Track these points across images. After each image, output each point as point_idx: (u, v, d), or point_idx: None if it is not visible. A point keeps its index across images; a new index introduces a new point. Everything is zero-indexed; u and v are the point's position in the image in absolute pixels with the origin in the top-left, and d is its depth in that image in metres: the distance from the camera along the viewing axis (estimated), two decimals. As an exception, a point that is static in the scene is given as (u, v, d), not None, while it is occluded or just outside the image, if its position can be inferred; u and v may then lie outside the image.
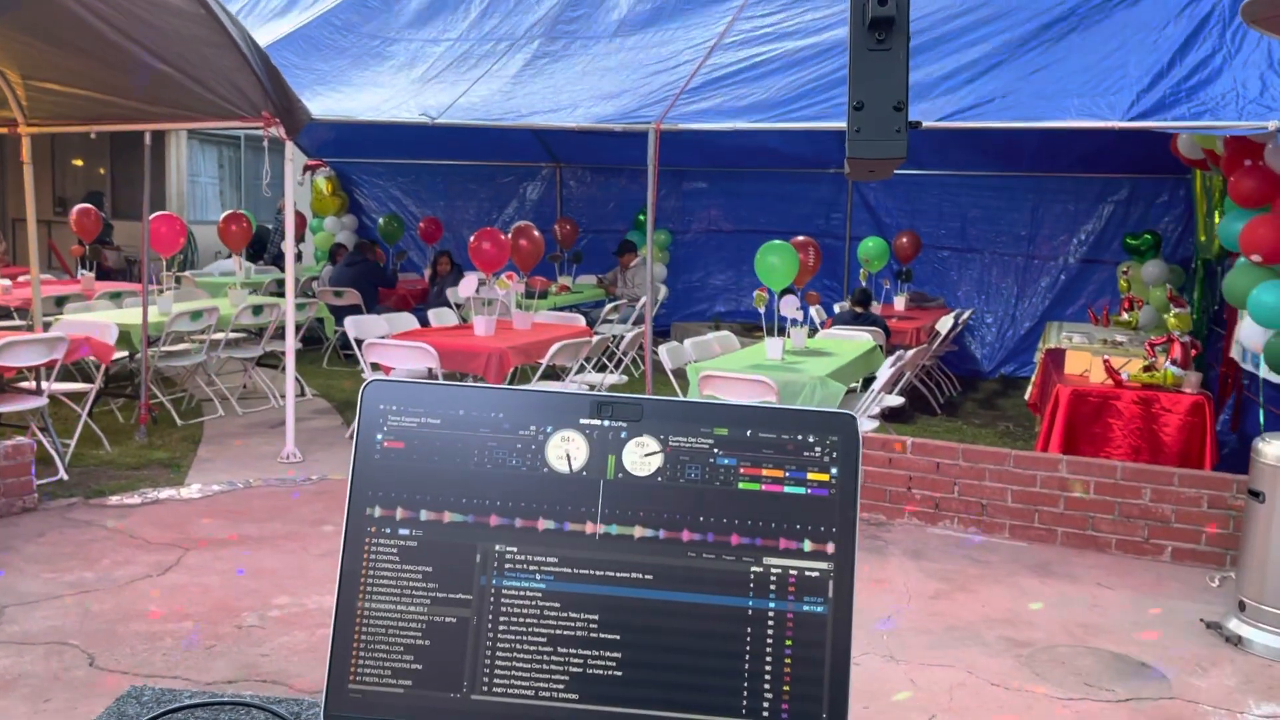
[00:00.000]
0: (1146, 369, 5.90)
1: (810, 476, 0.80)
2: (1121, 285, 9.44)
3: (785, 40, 6.76)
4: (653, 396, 0.83)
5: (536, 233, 8.52)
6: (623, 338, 7.85)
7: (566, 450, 0.82)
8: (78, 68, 6.14)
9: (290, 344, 6.46)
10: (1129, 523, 5.00)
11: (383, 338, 6.81)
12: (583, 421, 0.83)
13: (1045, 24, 6.11)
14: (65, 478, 5.53)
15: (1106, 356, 6.04)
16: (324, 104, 7.37)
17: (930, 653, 3.82)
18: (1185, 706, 3.46)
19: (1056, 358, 6.84)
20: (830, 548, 0.79)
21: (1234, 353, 6.61)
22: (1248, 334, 5.61)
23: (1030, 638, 4.00)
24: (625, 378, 7.96)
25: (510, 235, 8.12)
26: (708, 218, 11.90)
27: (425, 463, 0.83)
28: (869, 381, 7.16)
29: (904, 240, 10.37)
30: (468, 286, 7.19)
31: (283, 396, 7.19)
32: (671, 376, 6.47)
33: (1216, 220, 7.38)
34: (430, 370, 6.42)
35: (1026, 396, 8.15)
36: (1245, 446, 5.97)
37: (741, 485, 0.81)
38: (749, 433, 0.81)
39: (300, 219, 11.53)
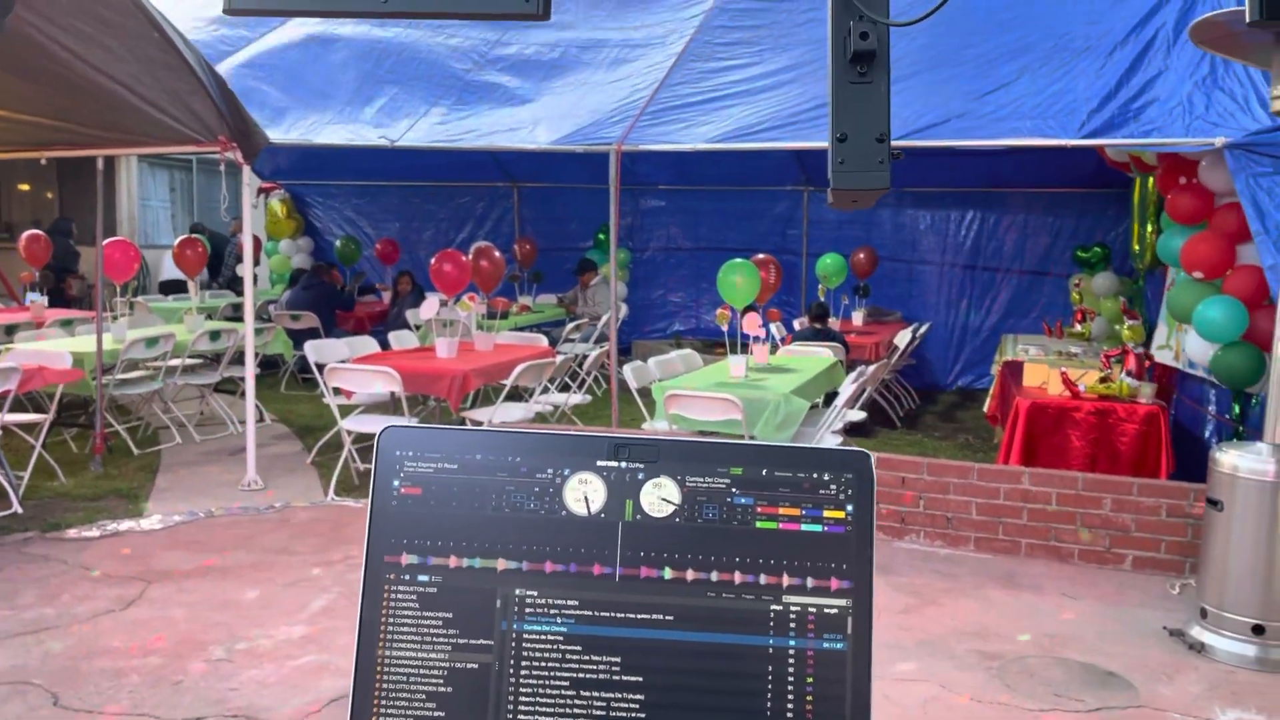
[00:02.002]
0: (1103, 380, 6.02)
1: (827, 514, 0.82)
2: (1074, 297, 9.63)
3: (744, 59, 6.83)
4: (669, 437, 0.84)
5: (497, 253, 8.51)
6: (585, 357, 7.85)
7: (585, 493, 0.83)
8: (28, 93, 6.03)
9: (250, 369, 6.38)
10: (1091, 532, 5.08)
11: (343, 361, 6.75)
12: (600, 464, 0.83)
13: (999, 53, 6.25)
14: (20, 511, 5.40)
15: (1064, 369, 6.16)
16: (280, 127, 7.32)
17: (904, 668, 3.86)
18: (1154, 715, 3.52)
19: (1014, 370, 6.95)
20: (847, 584, 0.80)
21: (1163, 358, 6.76)
22: (1193, 347, 5.75)
23: (1000, 650, 4.05)
24: (589, 397, 7.97)
25: (471, 256, 8.10)
26: (666, 235, 11.95)
27: (443, 508, 0.83)
28: (829, 397, 7.22)
29: (861, 256, 10.50)
30: (429, 308, 7.15)
31: (241, 422, 7.09)
32: (636, 396, 6.48)
33: (1149, 231, 7.58)
34: (393, 394, 6.37)
35: (985, 408, 8.27)
36: (1183, 448, 6.13)
37: (759, 524, 0.82)
38: (765, 472, 0.82)
39: (255, 242, 11.40)
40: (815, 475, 0.82)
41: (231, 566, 4.75)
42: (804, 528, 0.82)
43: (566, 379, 8.22)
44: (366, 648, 0.82)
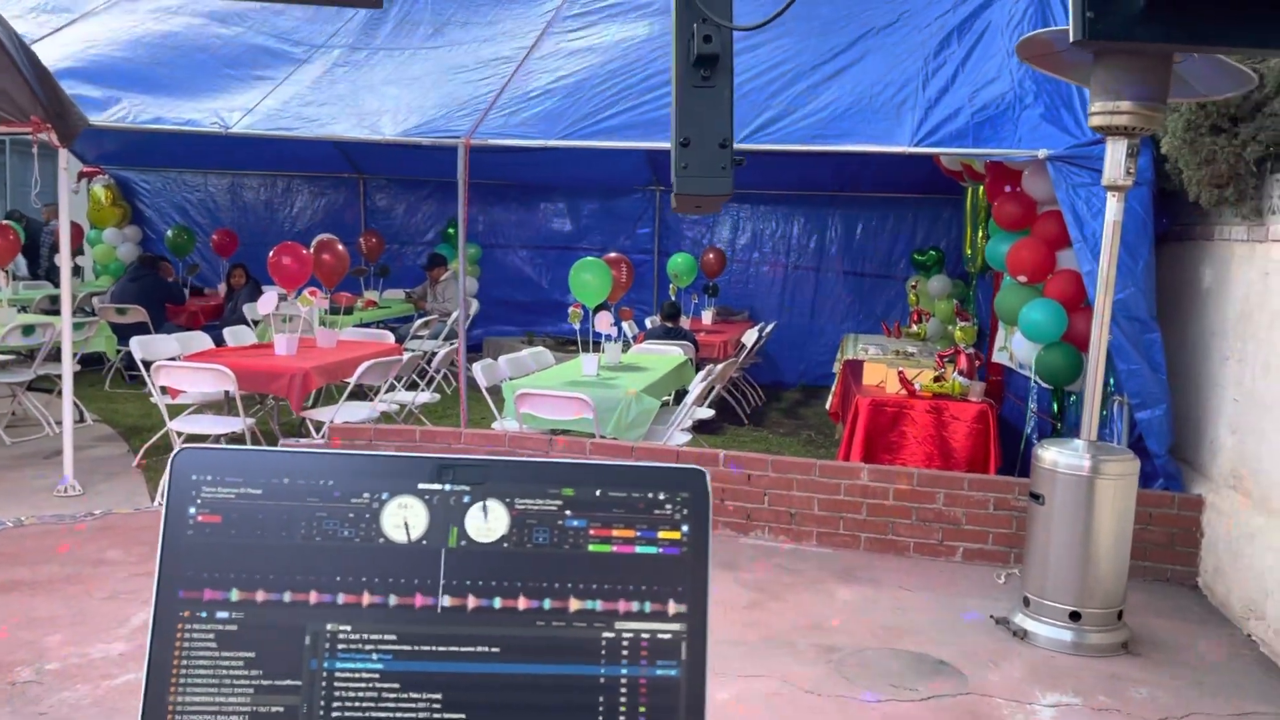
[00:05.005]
0: (936, 379, 6.28)
1: (661, 535, 0.78)
2: (911, 299, 10.04)
3: (596, 57, 6.80)
4: (497, 458, 0.79)
5: (341, 246, 8.22)
6: (434, 354, 7.67)
7: (404, 518, 0.77)
8: None
9: (67, 366, 5.94)
10: (925, 526, 5.29)
11: (173, 358, 6.38)
12: (421, 487, 0.77)
13: (833, 50, 6.38)
14: None
15: (901, 368, 6.39)
16: (107, 110, 6.86)
17: (747, 663, 3.91)
18: (980, 701, 3.68)
19: (855, 369, 7.18)
20: (682, 608, 0.78)
21: (1000, 358, 7.15)
22: (1019, 347, 6.07)
23: (839, 643, 4.16)
24: (438, 396, 7.79)
25: (313, 249, 7.80)
26: (519, 232, 11.84)
27: (245, 538, 0.75)
28: (680, 394, 7.30)
29: (710, 256, 10.66)
30: (267, 303, 6.84)
31: (58, 423, 6.62)
32: (486, 394, 6.37)
33: (980, 236, 7.98)
34: (227, 393, 6.07)
35: (828, 405, 8.53)
36: (1012, 444, 6.46)
37: (592, 548, 0.78)
38: (599, 492, 0.79)
39: (77, 230, 10.67)
40: (650, 495, 0.79)
41: (42, 580, 4.41)
42: (639, 550, 0.78)
43: (415, 377, 8.01)
44: (155, 694, 0.73)
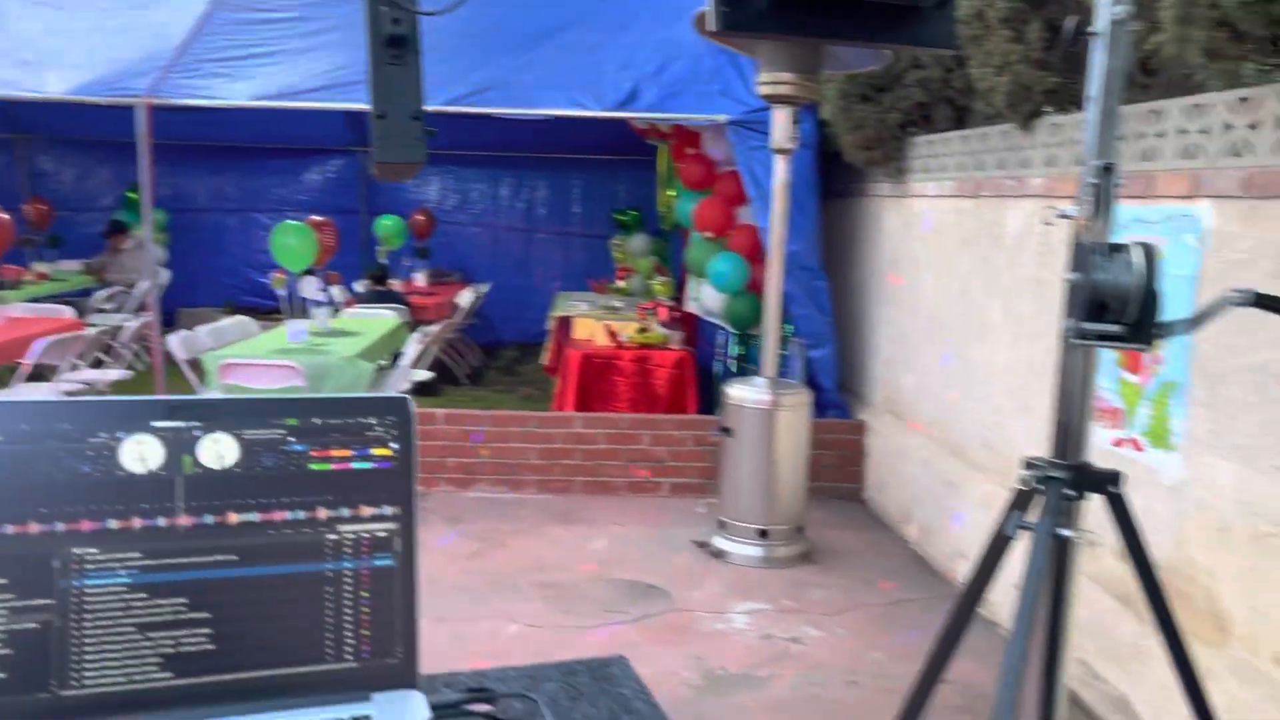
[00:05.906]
0: (641, 331, 6.71)
1: (374, 452, 0.94)
2: (616, 256, 10.52)
3: (290, 10, 6.57)
4: (227, 396, 0.91)
5: (2, 214, 7.48)
6: (121, 329, 7.19)
7: (141, 453, 0.88)
8: None
9: None
10: (634, 466, 5.69)
11: None
12: (155, 424, 0.88)
13: (537, 28, 6.57)
14: None
15: (608, 322, 6.77)
16: None
17: (473, 608, 4.11)
18: (683, 615, 4.09)
19: (567, 325, 7.50)
20: (396, 509, 0.94)
21: (690, 307, 7.74)
22: (708, 297, 6.61)
23: (559, 579, 4.45)
24: (130, 372, 7.32)
25: (-31, 218, 7.04)
26: (213, 196, 11.19)
27: (-11, 480, 0.84)
28: (396, 358, 7.30)
29: (419, 218, 10.62)
30: (-83, 279, 6.14)
31: None
32: (185, 367, 6.09)
33: (670, 195, 8.53)
34: (-125, 381, 5.42)
35: (543, 361, 8.83)
36: (709, 386, 7.04)
37: (313, 466, 0.93)
38: (317, 420, 0.93)
39: None
40: (363, 420, 0.95)
41: None
42: (354, 466, 0.94)
43: (100, 354, 7.46)
44: (-91, 624, 0.81)
